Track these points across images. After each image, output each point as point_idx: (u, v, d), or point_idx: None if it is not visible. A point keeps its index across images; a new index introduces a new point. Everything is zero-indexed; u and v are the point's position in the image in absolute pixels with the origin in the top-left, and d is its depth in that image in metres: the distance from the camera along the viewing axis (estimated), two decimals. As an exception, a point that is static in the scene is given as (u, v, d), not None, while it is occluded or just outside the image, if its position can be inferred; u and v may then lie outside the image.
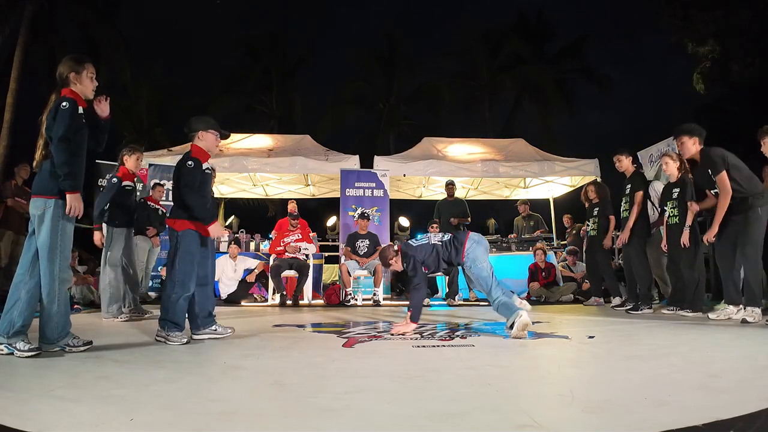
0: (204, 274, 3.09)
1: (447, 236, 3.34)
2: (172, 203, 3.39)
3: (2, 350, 2.30)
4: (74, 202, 2.40)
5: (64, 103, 2.43)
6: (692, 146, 3.82)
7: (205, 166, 3.06)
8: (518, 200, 8.68)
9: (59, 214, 2.41)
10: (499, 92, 18.06)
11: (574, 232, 7.71)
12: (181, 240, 2.92)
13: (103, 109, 2.65)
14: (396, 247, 3.33)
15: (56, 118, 2.42)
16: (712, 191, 3.77)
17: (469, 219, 7.05)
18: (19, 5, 11.53)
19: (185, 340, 2.79)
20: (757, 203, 3.53)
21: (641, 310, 4.56)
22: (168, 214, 3.61)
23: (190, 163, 2.97)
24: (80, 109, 2.49)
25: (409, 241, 3.48)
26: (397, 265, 3.30)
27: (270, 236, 7.35)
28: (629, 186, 4.86)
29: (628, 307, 4.77)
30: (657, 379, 1.76)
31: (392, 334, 3.08)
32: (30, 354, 2.27)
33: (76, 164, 2.45)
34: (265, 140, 8.93)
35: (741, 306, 3.62)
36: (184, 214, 2.95)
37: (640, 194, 4.76)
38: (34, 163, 2.52)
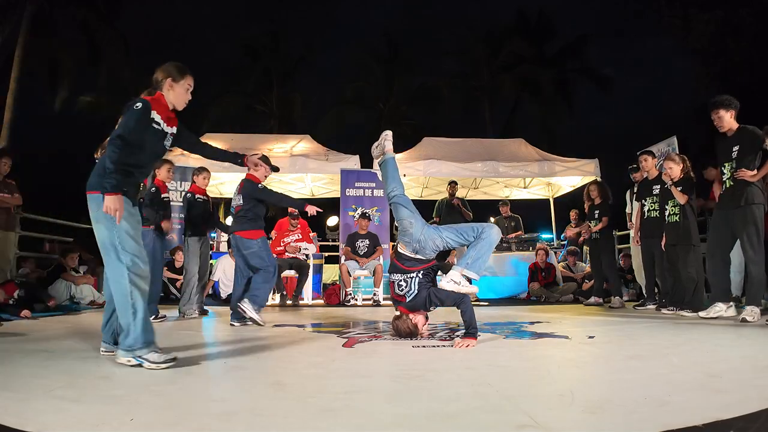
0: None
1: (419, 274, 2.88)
2: None
3: (131, 361, 2.08)
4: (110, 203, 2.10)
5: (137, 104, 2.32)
6: (729, 119, 3.76)
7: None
8: (499, 201, 8.63)
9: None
10: (499, 92, 18.06)
11: (577, 229, 7.68)
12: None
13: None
14: (411, 317, 2.85)
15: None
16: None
17: (471, 216, 7.04)
18: (19, 5, 11.55)
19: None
20: (757, 199, 3.54)
21: (646, 306, 4.92)
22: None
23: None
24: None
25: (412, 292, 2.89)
26: (420, 319, 2.89)
27: (270, 236, 7.35)
28: (657, 187, 4.86)
29: (637, 303, 5.15)
30: (657, 379, 1.76)
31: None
32: (166, 365, 2.04)
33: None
34: (266, 140, 8.93)
35: (731, 303, 3.67)
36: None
37: None
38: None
